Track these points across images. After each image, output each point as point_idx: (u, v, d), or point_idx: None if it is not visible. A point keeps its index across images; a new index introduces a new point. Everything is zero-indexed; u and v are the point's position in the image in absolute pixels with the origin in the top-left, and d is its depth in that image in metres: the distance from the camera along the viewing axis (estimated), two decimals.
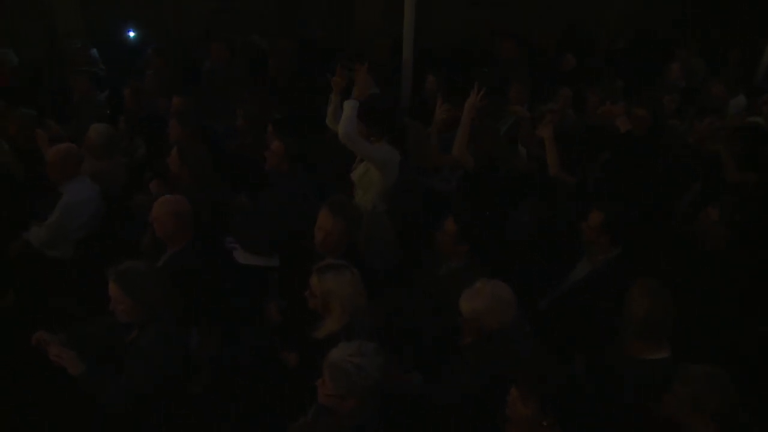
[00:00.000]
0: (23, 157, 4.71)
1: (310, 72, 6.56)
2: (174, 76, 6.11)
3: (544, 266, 3.81)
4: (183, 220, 3.35)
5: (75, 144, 4.54)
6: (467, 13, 8.16)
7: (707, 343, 3.09)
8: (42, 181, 4.24)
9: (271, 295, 3.72)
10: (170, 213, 3.31)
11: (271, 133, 4.64)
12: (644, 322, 2.72)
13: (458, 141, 4.09)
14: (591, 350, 3.17)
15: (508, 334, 2.76)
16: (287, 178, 4.35)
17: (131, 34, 7.44)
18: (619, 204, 3.52)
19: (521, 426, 2.32)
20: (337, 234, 3.16)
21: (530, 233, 4.10)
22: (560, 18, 8.36)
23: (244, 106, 4.98)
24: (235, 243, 4.32)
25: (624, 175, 4.43)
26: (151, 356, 2.70)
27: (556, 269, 3.70)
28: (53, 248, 4.10)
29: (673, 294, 2.76)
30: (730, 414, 2.30)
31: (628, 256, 3.42)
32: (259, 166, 4.52)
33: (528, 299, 3.56)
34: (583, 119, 5.67)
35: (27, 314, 3.74)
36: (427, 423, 2.77)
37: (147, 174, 5.10)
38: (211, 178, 4.21)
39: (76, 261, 4.16)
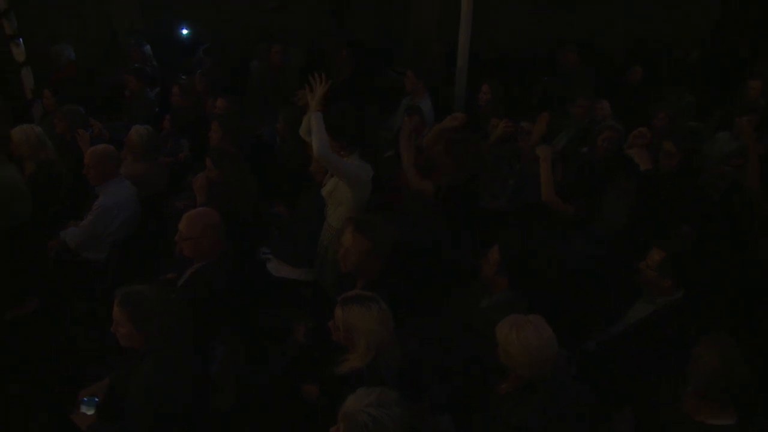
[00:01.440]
0: (68, 154, 4.70)
1: (360, 76, 6.38)
2: (223, 77, 6.01)
3: (596, 304, 3.47)
4: (216, 233, 3.20)
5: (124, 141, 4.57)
6: (528, 20, 7.76)
7: None
8: (84, 181, 4.20)
9: (300, 314, 3.55)
10: (205, 225, 3.17)
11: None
12: (710, 381, 2.41)
13: (408, 172, 3.86)
14: (642, 402, 2.86)
15: (549, 386, 2.47)
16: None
17: (185, 31, 7.43)
18: (682, 242, 3.15)
19: None
20: (360, 254, 2.94)
21: (583, 266, 3.75)
22: (630, 27, 7.86)
23: (285, 109, 4.81)
24: (270, 254, 4.21)
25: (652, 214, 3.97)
26: (149, 395, 2.55)
27: (609, 308, 3.37)
28: (87, 250, 4.05)
29: (744, 351, 2.41)
30: None
31: (692, 300, 3.05)
32: (300, 173, 4.37)
33: (576, 338, 3.28)
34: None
35: (53, 318, 3.67)
36: None
37: (189, 176, 5.05)
38: (247, 184, 4.07)
39: (110, 263, 4.10)
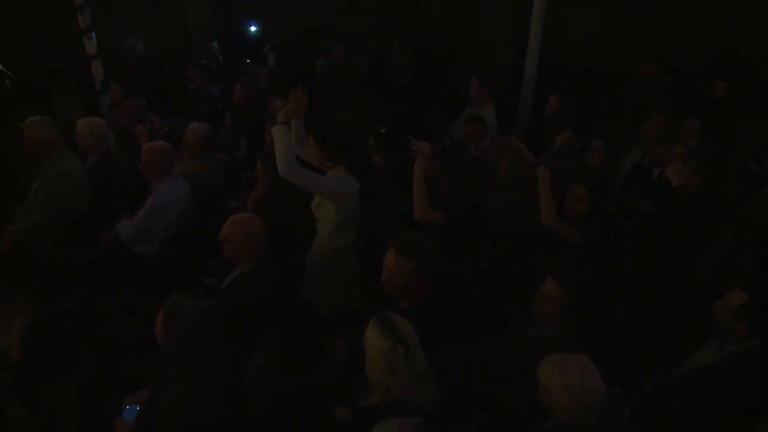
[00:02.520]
0: (131, 147, 4.78)
1: (422, 81, 6.22)
2: (285, 76, 5.98)
3: (657, 343, 3.19)
4: (256, 240, 3.15)
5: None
6: (606, 27, 7.36)
7: None
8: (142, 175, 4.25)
9: (341, 327, 3.44)
10: (245, 232, 3.13)
11: (372, 147, 4.35)
12: None
13: (416, 202, 3.50)
14: None
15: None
16: (382, 196, 4.04)
17: (252, 29, 7.48)
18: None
19: None
20: (404, 276, 2.77)
21: (647, 300, 3.46)
22: (713, 37, 7.33)
23: (341, 112, 4.73)
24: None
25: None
26: (178, 410, 2.53)
27: (672, 348, 3.09)
28: (138, 244, 4.08)
29: None
30: None
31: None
32: None
33: (632, 378, 3.03)
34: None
35: (97, 311, 3.71)
36: None
37: (246, 175, 5.05)
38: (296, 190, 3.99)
39: (160, 259, 4.12)
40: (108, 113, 5.50)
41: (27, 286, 3.49)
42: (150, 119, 4.94)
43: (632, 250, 3.69)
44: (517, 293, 3.23)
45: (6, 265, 4.15)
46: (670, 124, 4.73)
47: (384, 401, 2.38)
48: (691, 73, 6.59)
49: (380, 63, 6.56)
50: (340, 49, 6.09)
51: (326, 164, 3.33)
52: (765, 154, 4.32)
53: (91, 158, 4.54)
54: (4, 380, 3.11)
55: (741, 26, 6.98)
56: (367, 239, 3.66)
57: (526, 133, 5.21)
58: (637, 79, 6.13)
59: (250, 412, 3.15)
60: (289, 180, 3.15)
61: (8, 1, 6.91)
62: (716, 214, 3.64)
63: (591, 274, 3.25)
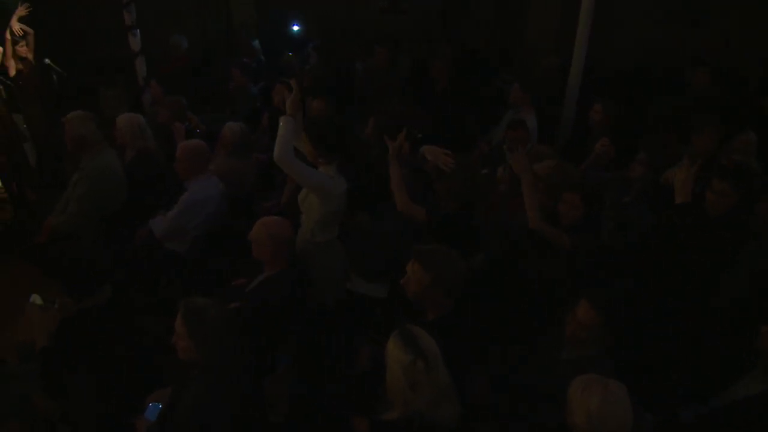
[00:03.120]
0: (169, 144, 4.82)
1: (462, 84, 6.10)
2: (325, 77, 5.96)
3: (695, 369, 3.02)
4: (282, 244, 3.13)
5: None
6: (658, 32, 7.07)
7: None
8: None
9: (367, 335, 3.38)
10: (270, 235, 3.12)
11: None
12: None
13: (397, 196, 3.47)
14: None
15: None
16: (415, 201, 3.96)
17: (295, 28, 7.49)
18: None
19: None
20: (418, 285, 2.73)
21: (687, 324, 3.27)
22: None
23: (377, 115, 4.66)
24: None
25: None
26: (197, 413, 2.52)
27: (711, 375, 2.91)
28: (171, 241, 4.11)
29: None
30: None
31: None
32: (385, 182, 4.20)
33: (668, 406, 2.87)
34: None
35: (129, 305, 3.74)
36: None
37: (280, 176, 5.03)
38: None
39: (191, 256, 4.14)
40: (149, 109, 5.58)
41: (61, 279, 3.52)
42: (188, 117, 4.97)
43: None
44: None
45: (42, 257, 4.24)
46: (722, 137, 4.48)
47: (403, 415, 2.31)
48: (745, 83, 6.29)
49: (421, 65, 6.46)
50: (382, 50, 6.03)
51: (318, 161, 3.40)
52: None
53: (129, 153, 4.60)
54: (33, 370, 3.16)
55: None
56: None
57: (568, 141, 5.04)
58: (689, 88, 5.87)
59: (269, 417, 3.13)
60: (280, 165, 3.24)
61: None
62: (738, 237, 3.34)
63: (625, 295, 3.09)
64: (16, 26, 5.34)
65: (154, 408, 2.83)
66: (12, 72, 5.47)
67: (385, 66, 6.13)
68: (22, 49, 5.48)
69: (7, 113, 5.46)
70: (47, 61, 5.68)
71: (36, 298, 3.05)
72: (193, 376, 2.67)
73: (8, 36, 5.40)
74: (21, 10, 5.41)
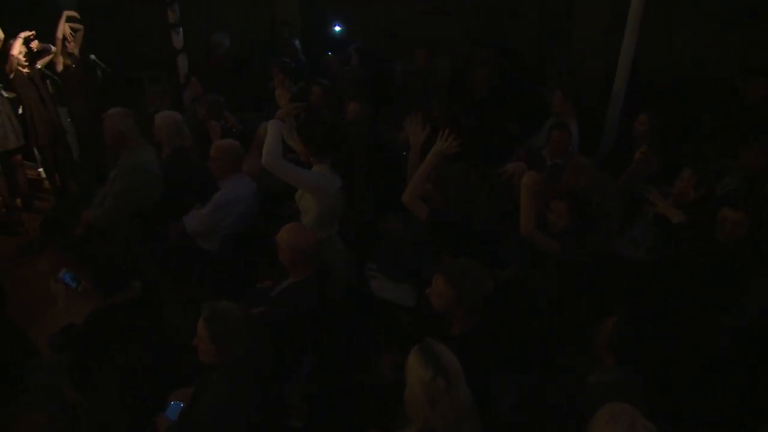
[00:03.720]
0: (207, 142, 4.85)
1: (506, 93, 5.96)
2: (364, 79, 5.90)
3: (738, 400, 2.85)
4: (303, 254, 3.09)
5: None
6: (713, 38, 6.72)
7: None
8: None
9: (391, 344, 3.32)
10: (290, 244, 3.08)
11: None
12: None
13: (409, 187, 3.36)
14: None
15: None
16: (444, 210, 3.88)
17: (337, 28, 7.46)
18: None
19: None
20: (440, 299, 2.67)
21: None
22: None
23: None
24: (376, 270, 4.02)
25: None
26: (215, 416, 2.49)
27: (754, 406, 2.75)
28: (201, 239, 4.13)
29: None
30: None
31: None
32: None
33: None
34: None
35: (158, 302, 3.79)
36: None
37: None
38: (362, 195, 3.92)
39: (221, 255, 4.15)
40: (189, 107, 5.64)
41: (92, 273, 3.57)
42: (225, 116, 5.00)
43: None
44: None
45: (79, 249, 4.32)
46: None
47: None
48: None
49: (462, 69, 6.34)
50: (422, 53, 5.95)
51: (311, 160, 3.48)
52: None
53: (166, 150, 4.65)
54: (63, 362, 3.22)
55: None
56: None
57: (611, 153, 4.85)
58: (745, 98, 5.56)
59: (289, 422, 3.10)
60: (269, 169, 3.30)
61: None
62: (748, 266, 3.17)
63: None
64: (66, 29, 5.48)
65: (175, 407, 2.84)
66: (60, 67, 5.62)
67: (425, 68, 6.04)
68: (70, 45, 5.62)
69: (53, 107, 5.61)
70: (92, 57, 5.80)
71: (62, 277, 3.15)
72: (212, 379, 2.66)
73: (59, 34, 5.54)
74: (70, 12, 5.56)
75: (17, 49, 5.20)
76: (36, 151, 6.06)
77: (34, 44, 5.33)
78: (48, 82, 5.59)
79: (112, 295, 3.14)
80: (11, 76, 5.29)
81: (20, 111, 5.52)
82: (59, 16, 5.58)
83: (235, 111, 5.72)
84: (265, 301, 3.18)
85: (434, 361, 2.24)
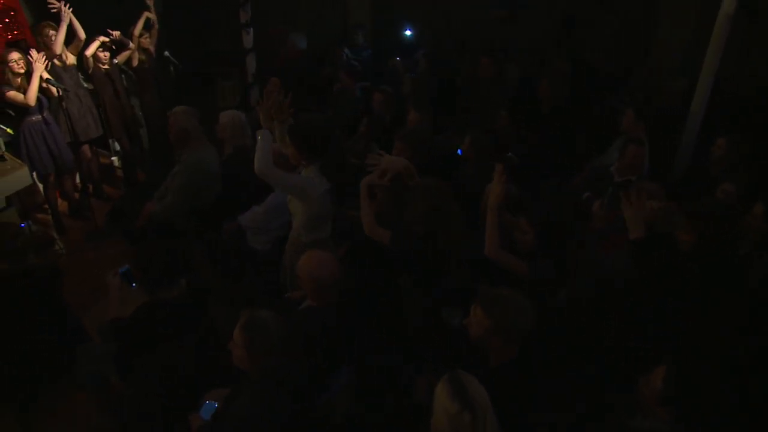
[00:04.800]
0: None
1: (579, 104, 5.72)
2: (428, 86, 5.82)
3: None
4: (321, 285, 3.00)
5: None
6: None
7: None
8: None
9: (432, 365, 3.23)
10: (309, 274, 2.99)
11: (500, 172, 4.04)
12: None
13: (362, 217, 3.44)
14: None
15: None
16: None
17: (408, 32, 7.40)
18: None
19: None
20: (478, 328, 2.56)
21: None
22: None
23: (474, 131, 4.46)
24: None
25: None
26: (242, 425, 2.48)
27: None
28: (253, 237, 4.18)
29: None
30: None
31: None
32: (480, 200, 4.01)
33: None
34: None
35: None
36: None
37: None
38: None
39: (270, 257, 4.18)
40: (255, 107, 5.71)
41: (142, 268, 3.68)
42: None
43: None
44: None
45: (139, 240, 4.47)
46: None
47: None
48: None
49: (530, 80, 6.14)
50: (488, 62, 5.79)
51: (301, 162, 3.53)
52: None
53: (227, 149, 4.74)
54: (111, 351, 3.32)
55: None
56: None
57: (683, 178, 4.56)
58: None
59: None
60: (261, 176, 3.34)
61: None
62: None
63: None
64: (143, 36, 5.74)
65: (209, 407, 2.84)
66: (135, 62, 5.85)
67: (490, 78, 5.87)
68: (145, 41, 5.84)
69: (127, 101, 5.85)
70: (167, 53, 6.01)
71: (120, 272, 3.25)
72: (244, 386, 2.67)
73: (136, 31, 5.78)
74: (148, 12, 5.80)
75: (92, 50, 5.48)
76: (112, 141, 6.36)
77: (116, 33, 5.59)
78: (123, 76, 5.83)
79: (157, 293, 3.21)
80: (90, 71, 5.56)
81: (97, 103, 5.78)
82: (138, 12, 5.82)
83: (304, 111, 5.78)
84: (292, 311, 3.17)
85: (462, 394, 2.15)
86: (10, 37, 5.84)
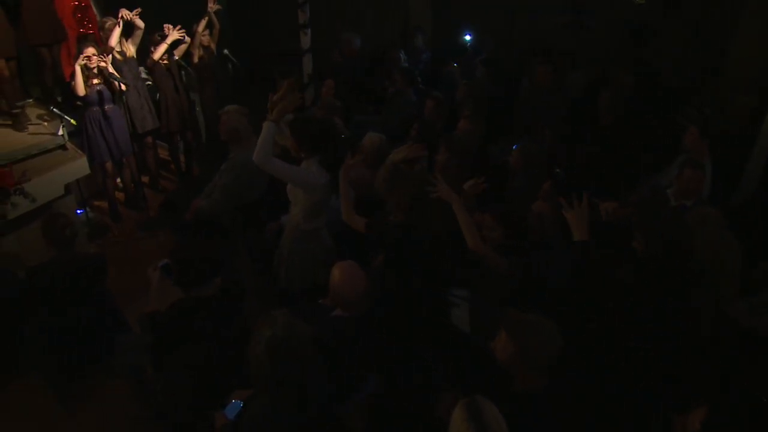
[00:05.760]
0: None
1: (642, 116, 5.45)
2: (484, 93, 5.67)
3: None
4: (348, 299, 2.98)
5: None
6: None
7: None
8: None
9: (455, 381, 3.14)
10: (337, 287, 2.97)
11: (546, 191, 3.91)
12: None
13: (341, 204, 3.64)
14: None
15: None
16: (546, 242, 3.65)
17: (468, 37, 7.26)
18: None
19: None
20: (503, 353, 2.48)
21: None
22: None
23: (524, 142, 4.32)
24: (463, 298, 3.84)
25: None
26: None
27: None
28: None
29: None
30: None
31: None
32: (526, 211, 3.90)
33: None
34: None
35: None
36: None
37: None
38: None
39: None
40: (309, 108, 5.77)
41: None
42: (335, 121, 5.03)
43: None
44: None
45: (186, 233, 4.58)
46: None
47: None
48: None
49: (592, 89, 5.90)
50: (545, 70, 5.60)
51: (301, 154, 3.69)
52: None
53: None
54: (148, 342, 3.39)
55: None
56: None
57: (744, 205, 4.28)
58: None
59: None
60: (260, 166, 3.54)
61: None
62: None
63: None
64: (205, 38, 5.87)
65: (234, 406, 2.85)
66: (195, 59, 6.00)
67: (548, 86, 5.68)
68: (205, 39, 5.98)
69: (185, 96, 6.01)
70: (226, 51, 6.13)
71: (160, 265, 3.32)
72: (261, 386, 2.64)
73: (199, 29, 5.93)
74: (212, 6, 5.94)
75: (159, 52, 5.68)
76: (171, 135, 6.54)
77: (169, 27, 5.76)
78: (182, 72, 5.99)
79: (192, 291, 3.26)
80: (150, 66, 5.74)
81: (157, 97, 5.97)
82: (202, 10, 5.97)
83: (359, 112, 5.78)
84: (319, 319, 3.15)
85: (477, 421, 2.07)
86: (81, 30, 6.11)
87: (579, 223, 3.05)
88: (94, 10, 6.23)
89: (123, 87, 5.17)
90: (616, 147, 4.95)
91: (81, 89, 5.12)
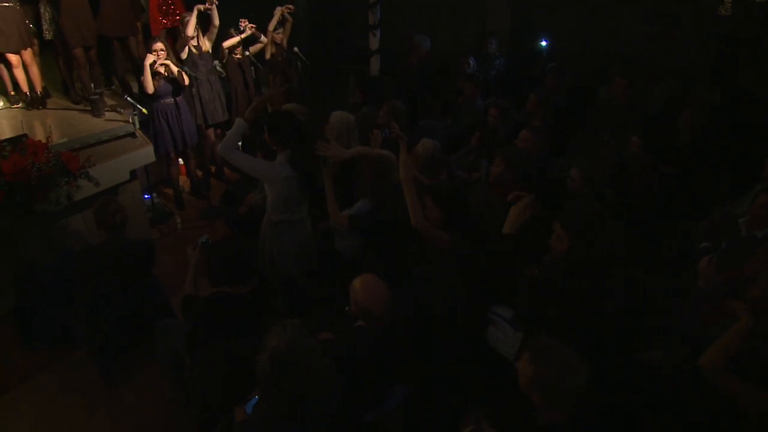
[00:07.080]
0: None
1: (726, 137, 5.04)
2: (547, 105, 5.42)
3: None
4: (367, 312, 2.91)
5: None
6: None
7: None
8: None
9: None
10: (357, 299, 2.92)
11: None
12: None
13: (328, 205, 3.99)
14: None
15: None
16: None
17: (543, 43, 7.00)
18: None
19: None
20: (524, 378, 2.35)
21: None
22: None
23: (581, 159, 4.11)
24: (502, 316, 3.69)
25: None
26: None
27: None
28: (341, 240, 4.19)
29: None
30: None
31: None
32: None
33: None
34: None
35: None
36: None
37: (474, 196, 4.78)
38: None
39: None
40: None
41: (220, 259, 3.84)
42: (391, 125, 4.96)
43: None
44: None
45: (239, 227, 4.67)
46: None
47: None
48: None
49: (673, 106, 5.52)
50: (623, 82, 5.29)
51: (273, 147, 3.89)
52: None
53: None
54: (185, 329, 3.48)
55: None
56: None
57: None
58: None
59: None
60: (224, 156, 3.89)
61: None
62: None
63: None
64: (278, 36, 5.97)
65: (254, 402, 2.86)
66: (268, 55, 6.13)
67: (625, 101, 5.36)
68: (278, 36, 6.08)
69: (255, 91, 6.14)
70: (296, 49, 6.21)
71: (201, 241, 3.54)
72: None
73: (270, 27, 6.04)
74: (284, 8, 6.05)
75: (230, 42, 5.81)
76: None
77: (247, 24, 5.89)
78: (253, 68, 6.13)
79: (232, 284, 3.30)
80: (224, 60, 5.91)
81: (229, 91, 6.14)
82: (273, 7, 6.08)
83: (425, 115, 5.69)
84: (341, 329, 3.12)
85: None
86: (165, 22, 6.36)
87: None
88: (181, 2, 6.48)
89: (186, 81, 5.33)
90: (692, 170, 4.60)
91: (150, 86, 5.34)
